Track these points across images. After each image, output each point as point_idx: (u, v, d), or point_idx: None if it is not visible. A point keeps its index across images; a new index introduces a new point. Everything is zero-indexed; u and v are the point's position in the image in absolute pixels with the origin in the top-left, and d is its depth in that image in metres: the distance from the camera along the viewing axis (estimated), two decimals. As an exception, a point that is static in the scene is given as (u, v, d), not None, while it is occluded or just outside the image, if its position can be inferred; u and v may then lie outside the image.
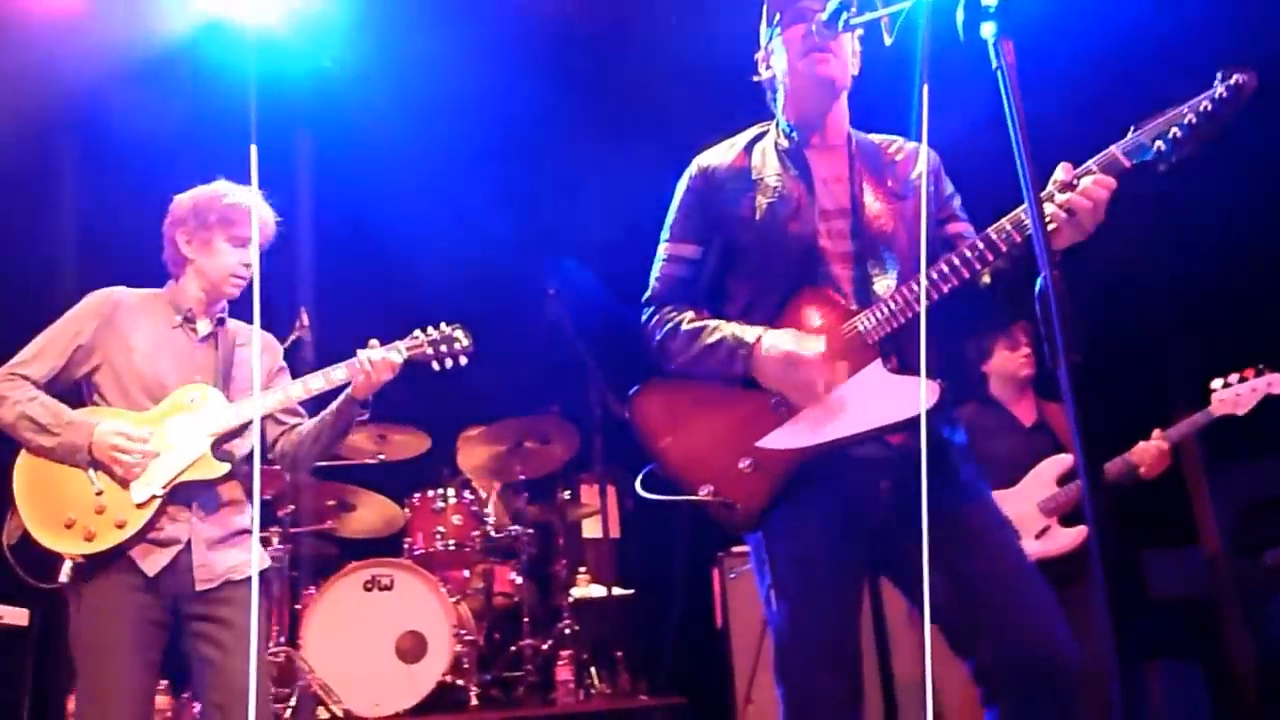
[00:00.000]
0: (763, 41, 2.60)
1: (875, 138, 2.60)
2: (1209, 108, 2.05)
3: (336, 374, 2.98)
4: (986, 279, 2.32)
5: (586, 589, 6.05)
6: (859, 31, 2.44)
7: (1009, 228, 2.21)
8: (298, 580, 5.24)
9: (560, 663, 5.07)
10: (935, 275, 2.26)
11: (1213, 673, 4.90)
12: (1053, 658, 2.19)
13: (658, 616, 5.92)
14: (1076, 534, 3.89)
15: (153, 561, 2.77)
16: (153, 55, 4.62)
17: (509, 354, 6.07)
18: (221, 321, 3.06)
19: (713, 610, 4.88)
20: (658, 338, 2.54)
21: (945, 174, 2.58)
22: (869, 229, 2.43)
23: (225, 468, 2.87)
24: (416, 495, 5.60)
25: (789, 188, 2.47)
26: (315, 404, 3.04)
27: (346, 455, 5.63)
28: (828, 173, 2.50)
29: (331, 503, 5.47)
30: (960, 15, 1.83)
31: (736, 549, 4.59)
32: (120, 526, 2.75)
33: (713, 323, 2.46)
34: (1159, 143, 2.09)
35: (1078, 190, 2.15)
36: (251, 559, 2.87)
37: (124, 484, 2.79)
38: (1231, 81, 2.04)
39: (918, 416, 2.12)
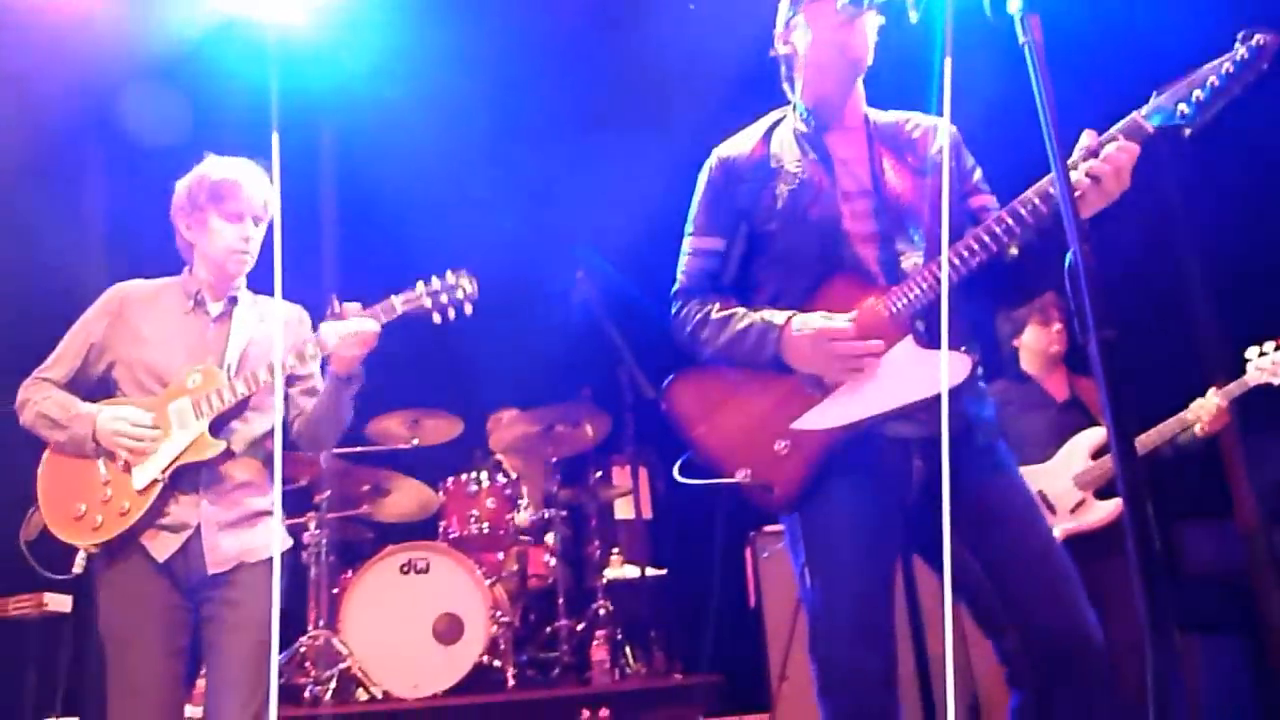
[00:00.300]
0: (783, 15, 2.58)
1: (891, 115, 2.59)
2: (1231, 69, 2.04)
3: (309, 350, 2.84)
4: (1014, 251, 2.31)
5: (620, 570, 6.09)
6: (879, 18, 2.43)
7: (1035, 199, 2.21)
8: (335, 565, 5.30)
9: (595, 643, 5.11)
10: (963, 250, 2.26)
11: (1251, 646, 4.86)
12: (1078, 640, 2.19)
13: (691, 596, 5.94)
14: (1112, 508, 3.86)
15: (162, 547, 2.74)
16: (174, 52, 4.65)
17: (539, 337, 6.11)
18: (234, 300, 2.99)
19: (746, 589, 4.89)
20: (688, 329, 2.55)
21: (965, 148, 2.57)
22: (892, 207, 2.42)
23: (221, 445, 2.78)
24: (450, 479, 5.64)
25: (809, 173, 2.46)
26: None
27: (380, 440, 5.70)
28: (847, 154, 2.49)
29: (366, 487, 5.53)
30: (988, -10, 1.83)
31: (769, 529, 4.59)
32: (124, 514, 2.73)
33: (741, 309, 2.47)
34: (1181, 106, 2.09)
35: (1100, 156, 2.14)
36: (271, 542, 2.79)
37: (129, 470, 2.78)
38: (1253, 42, 2.03)
39: (951, 390, 2.12)
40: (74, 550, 2.80)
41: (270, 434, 2.88)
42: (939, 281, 2.28)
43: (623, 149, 5.58)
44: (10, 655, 4.63)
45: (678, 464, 2.47)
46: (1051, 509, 3.89)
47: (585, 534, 5.89)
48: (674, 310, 2.61)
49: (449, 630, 4.98)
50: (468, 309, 2.93)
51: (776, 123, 2.60)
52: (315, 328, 2.91)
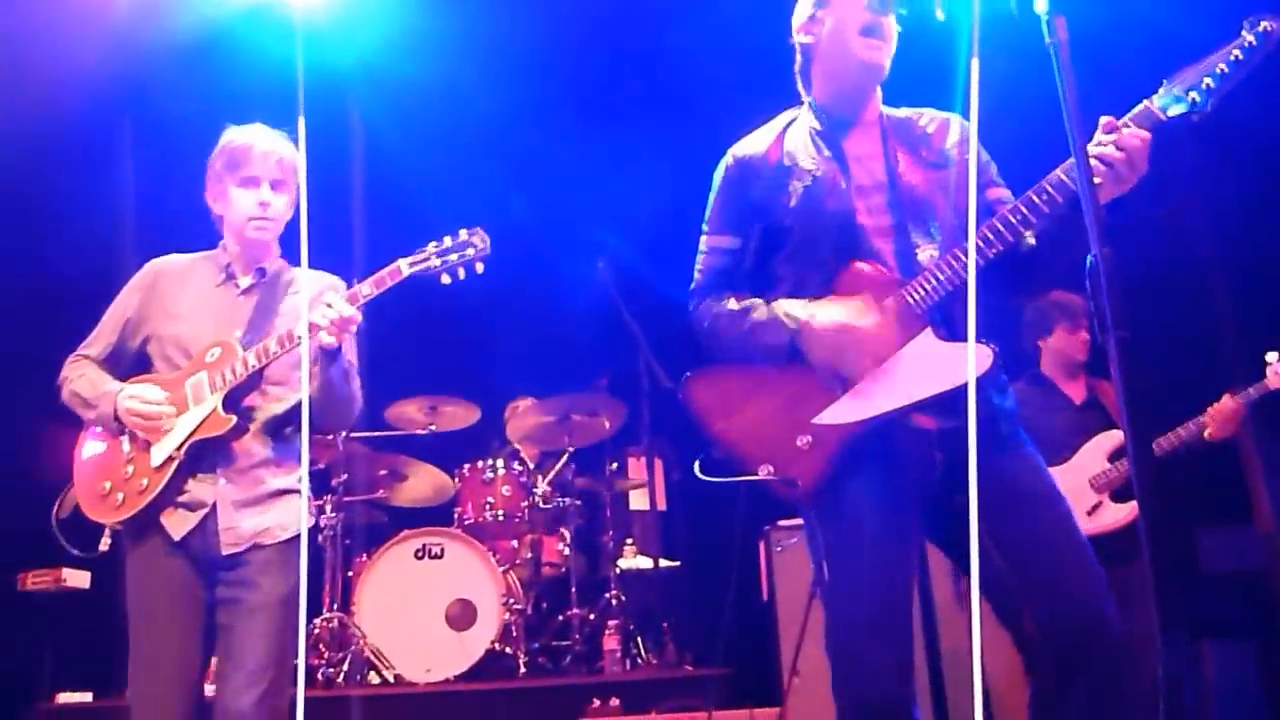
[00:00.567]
0: (807, 5, 2.57)
1: (904, 111, 2.59)
2: (1239, 56, 2.07)
3: (298, 329, 2.71)
4: (1031, 240, 2.31)
5: (633, 560, 6.10)
6: (897, 26, 2.43)
7: (1049, 189, 2.21)
8: (350, 548, 5.34)
9: (607, 633, 5.13)
10: (980, 241, 2.25)
11: (1267, 650, 4.83)
12: (1097, 625, 2.19)
13: (704, 589, 5.95)
14: (1129, 510, 3.85)
15: (180, 525, 2.70)
16: (201, 32, 4.68)
17: (558, 326, 6.13)
18: (263, 272, 2.95)
19: (759, 583, 4.89)
20: (706, 324, 2.56)
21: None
22: (907, 200, 2.43)
23: (232, 420, 2.71)
24: (466, 466, 5.67)
25: (823, 170, 2.47)
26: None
27: (398, 426, 5.73)
28: (861, 150, 2.50)
29: (383, 472, 5.58)
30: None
31: (784, 523, 4.59)
32: (143, 492, 2.71)
33: (758, 301, 2.47)
34: (1192, 93, 2.11)
35: (1112, 142, 2.15)
36: (290, 521, 2.74)
37: (148, 448, 2.76)
38: (1260, 29, 2.06)
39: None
40: (100, 528, 2.82)
41: (289, 411, 2.84)
42: (955, 274, 2.28)
43: (649, 135, 5.58)
44: (27, 629, 4.68)
45: (697, 462, 2.47)
46: (1067, 510, 3.87)
47: (599, 524, 5.90)
48: (692, 307, 2.62)
49: (462, 616, 5.01)
50: (479, 268, 2.79)
51: (791, 122, 2.61)
52: None
